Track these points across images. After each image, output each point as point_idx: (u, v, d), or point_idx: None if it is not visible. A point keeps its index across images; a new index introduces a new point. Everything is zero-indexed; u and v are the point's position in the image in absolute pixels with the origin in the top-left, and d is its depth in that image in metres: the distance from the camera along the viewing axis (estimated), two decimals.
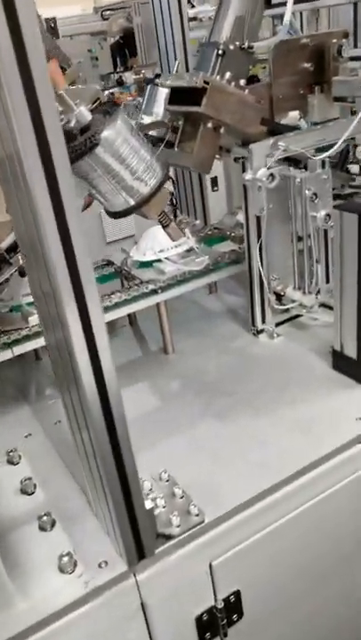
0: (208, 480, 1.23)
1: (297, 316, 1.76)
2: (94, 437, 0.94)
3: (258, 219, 1.57)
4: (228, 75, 1.43)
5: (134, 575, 1.08)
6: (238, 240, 1.84)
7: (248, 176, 1.49)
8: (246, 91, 1.48)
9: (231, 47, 1.45)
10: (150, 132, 1.60)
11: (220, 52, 1.43)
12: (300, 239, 1.65)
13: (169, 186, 1.39)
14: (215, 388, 1.54)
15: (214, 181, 2.51)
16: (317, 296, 1.67)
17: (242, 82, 1.47)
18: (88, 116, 1.19)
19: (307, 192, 1.53)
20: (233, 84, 1.44)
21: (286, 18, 1.59)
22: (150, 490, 1.19)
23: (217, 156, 1.55)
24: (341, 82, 1.81)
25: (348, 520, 1.34)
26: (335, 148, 1.53)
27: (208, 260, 1.68)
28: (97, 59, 7.04)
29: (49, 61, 2.93)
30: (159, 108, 1.65)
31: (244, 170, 1.52)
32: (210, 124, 1.43)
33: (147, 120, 1.66)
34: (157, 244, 1.70)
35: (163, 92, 1.61)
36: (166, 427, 1.41)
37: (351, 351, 1.45)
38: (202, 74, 1.40)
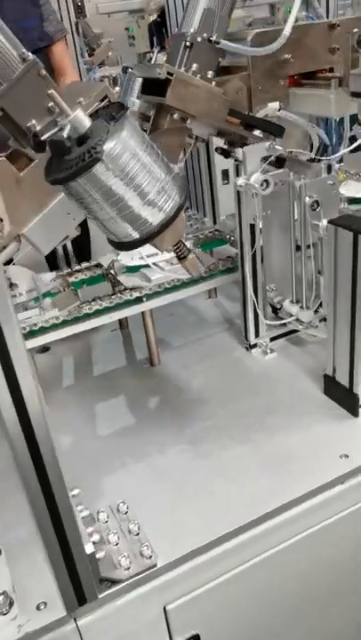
0: (168, 516, 1.13)
1: (295, 331, 1.63)
2: (21, 475, 0.85)
3: (252, 227, 1.45)
4: (194, 66, 1.34)
5: (75, 620, 1.00)
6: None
7: (240, 181, 1.37)
8: (213, 83, 1.38)
9: (199, 39, 1.36)
10: None
11: (187, 43, 1.34)
12: (299, 248, 1.52)
13: None
14: (194, 408, 1.43)
15: (225, 174, 2.36)
16: (318, 310, 1.54)
17: (210, 74, 1.37)
18: (86, 123, 0.93)
19: (307, 199, 1.40)
20: (199, 76, 1.34)
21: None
22: (106, 522, 1.11)
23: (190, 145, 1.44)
24: (356, 76, 1.66)
25: (316, 566, 1.23)
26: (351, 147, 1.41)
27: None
28: (134, 37, 6.90)
29: (54, 43, 2.83)
30: (134, 97, 1.54)
31: (237, 173, 1.40)
32: (176, 115, 1.34)
33: None
34: (146, 248, 1.58)
35: (138, 82, 1.50)
36: (135, 450, 1.32)
37: (343, 378, 1.33)
38: (165, 65, 1.31)
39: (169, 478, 1.23)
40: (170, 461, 1.28)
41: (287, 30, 1.43)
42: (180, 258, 1.21)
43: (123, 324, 1.82)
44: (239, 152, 1.42)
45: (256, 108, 1.67)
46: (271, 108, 1.69)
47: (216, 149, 1.66)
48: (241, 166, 1.37)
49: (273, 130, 1.46)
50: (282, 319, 1.61)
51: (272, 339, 1.62)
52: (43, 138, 1.02)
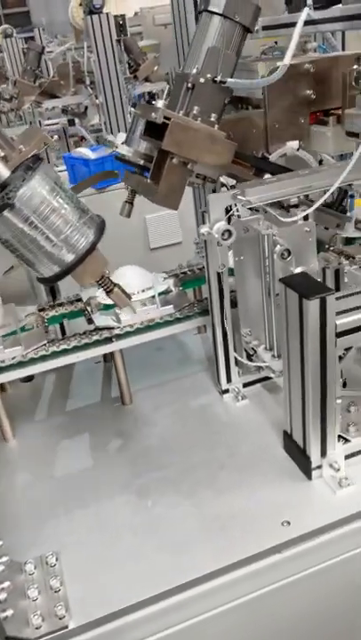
0: (96, 574, 1.12)
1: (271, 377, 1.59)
2: None
3: (219, 275, 1.42)
4: (195, 109, 1.29)
5: None
6: None
7: (203, 229, 1.34)
8: (216, 126, 1.33)
9: (202, 80, 1.30)
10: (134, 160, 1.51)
11: (189, 85, 1.30)
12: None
13: None
14: (153, 455, 1.42)
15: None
16: None
17: (213, 116, 1.32)
18: (5, 174, 1.10)
19: (278, 248, 1.35)
20: (200, 119, 1.30)
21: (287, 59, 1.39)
22: (32, 574, 1.11)
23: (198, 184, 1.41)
24: (355, 116, 1.60)
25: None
26: (323, 197, 1.35)
27: (173, 309, 1.55)
28: None
29: None
30: (133, 143, 1.54)
31: (203, 221, 1.38)
32: (175, 160, 1.30)
33: (122, 151, 1.55)
34: (126, 288, 1.57)
35: (140, 124, 1.50)
36: (82, 496, 1.32)
37: (298, 438, 1.28)
38: (161, 109, 1.27)
39: (108, 532, 1.22)
40: (113, 513, 1.26)
41: (287, 60, 1.32)
42: (107, 292, 1.29)
43: (106, 356, 1.82)
44: None
45: (273, 147, 1.63)
46: (289, 147, 1.64)
47: (222, 186, 1.64)
48: (206, 214, 1.34)
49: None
50: (255, 364, 1.57)
51: (247, 384, 1.58)
52: None
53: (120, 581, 1.10)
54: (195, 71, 1.31)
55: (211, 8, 1.31)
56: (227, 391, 1.57)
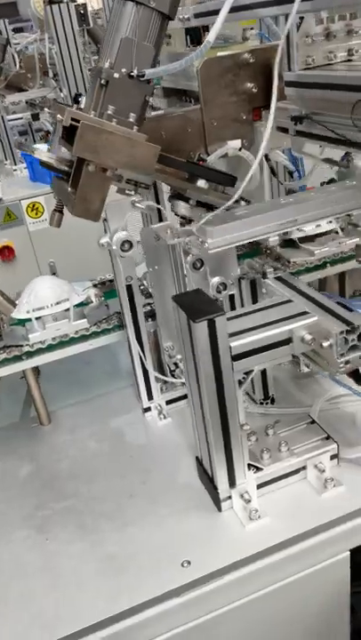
0: None
1: None
2: None
3: (130, 287, 1.31)
4: (110, 109, 1.13)
5: None
6: (147, 294, 1.58)
7: (103, 240, 1.23)
8: (135, 128, 1.17)
9: (116, 75, 1.14)
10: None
11: (102, 82, 1.14)
12: None
13: None
14: (62, 483, 1.32)
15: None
16: None
17: (131, 116, 1.16)
18: None
19: (189, 258, 1.24)
20: (115, 120, 1.14)
21: (211, 36, 1.24)
22: None
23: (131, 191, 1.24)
24: (282, 109, 1.48)
25: None
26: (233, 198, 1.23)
27: (87, 324, 1.44)
28: (170, 36, 6.75)
29: None
30: (56, 147, 1.40)
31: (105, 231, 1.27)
32: (90, 167, 1.14)
33: (42, 157, 1.40)
34: (38, 300, 1.47)
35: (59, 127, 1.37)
36: None
37: (207, 465, 1.18)
38: (68, 110, 1.12)
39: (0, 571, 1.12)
40: (9, 550, 1.17)
41: (211, 37, 1.12)
42: None
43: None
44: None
45: (212, 148, 1.49)
46: (230, 147, 1.49)
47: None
48: (105, 224, 1.23)
49: (221, 180, 1.25)
50: (181, 381, 1.46)
51: (171, 401, 1.48)
52: None
53: (4, 629, 1.01)
54: (107, 65, 1.17)
55: None
56: (148, 409, 1.47)
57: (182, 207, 1.21)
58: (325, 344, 1.01)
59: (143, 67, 1.15)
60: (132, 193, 1.20)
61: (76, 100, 1.43)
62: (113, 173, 1.13)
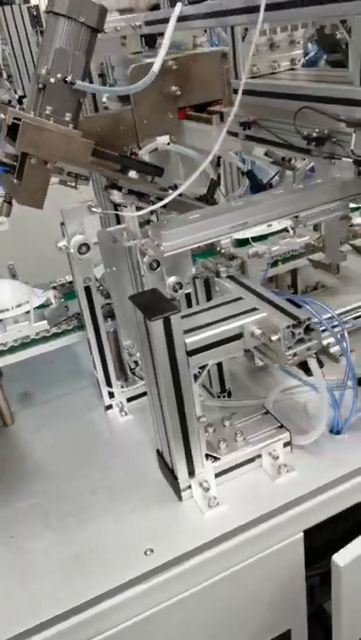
0: None
1: None
2: None
3: (88, 288, 1.35)
4: (48, 109, 1.24)
5: None
6: (106, 295, 1.62)
7: (60, 243, 1.27)
8: (71, 126, 1.28)
9: (52, 80, 1.25)
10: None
11: (39, 85, 1.24)
12: None
13: None
14: (25, 482, 1.35)
15: None
16: None
17: (67, 116, 1.27)
18: None
19: (146, 259, 1.29)
20: (52, 119, 1.25)
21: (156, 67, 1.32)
22: None
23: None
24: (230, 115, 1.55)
25: None
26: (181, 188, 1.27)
27: (47, 326, 1.47)
28: (125, 37, 6.76)
29: None
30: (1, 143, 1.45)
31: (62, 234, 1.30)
32: (33, 160, 1.24)
33: None
34: None
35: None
36: None
37: (167, 457, 1.23)
38: (10, 109, 1.21)
39: None
40: None
41: (156, 67, 1.25)
42: None
43: None
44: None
45: (144, 143, 1.59)
46: (160, 142, 1.61)
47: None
48: (63, 227, 1.27)
49: (149, 171, 1.37)
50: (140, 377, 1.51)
51: (132, 398, 1.53)
52: None
53: None
54: (44, 71, 1.26)
55: (55, 9, 1.26)
56: (110, 407, 1.51)
57: (116, 195, 1.32)
58: (274, 338, 1.07)
59: (76, 73, 1.29)
60: (73, 184, 1.32)
61: (20, 101, 1.50)
62: (53, 166, 1.25)
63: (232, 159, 1.78)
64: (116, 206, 1.49)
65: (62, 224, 1.28)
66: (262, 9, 1.06)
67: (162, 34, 1.61)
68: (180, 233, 1.12)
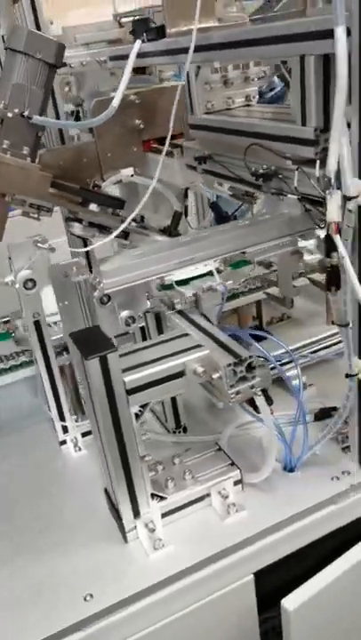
0: None
1: None
2: None
3: (37, 323, 1.34)
4: (5, 143, 1.24)
5: None
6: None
7: (7, 279, 1.26)
8: (28, 159, 1.27)
9: (10, 115, 1.26)
10: None
11: None
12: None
13: None
14: None
15: None
16: None
17: (25, 149, 1.27)
18: None
19: (96, 293, 1.28)
20: (9, 153, 1.25)
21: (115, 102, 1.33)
22: None
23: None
24: (189, 149, 1.57)
25: None
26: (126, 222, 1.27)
27: None
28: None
29: None
30: None
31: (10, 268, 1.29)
32: None
33: None
34: None
35: None
36: None
37: (113, 496, 1.20)
38: None
39: None
40: None
41: (116, 102, 1.25)
42: None
43: None
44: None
45: (108, 175, 1.59)
46: (124, 175, 1.62)
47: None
48: (10, 263, 1.26)
49: (110, 203, 1.36)
50: None
51: (86, 433, 1.50)
52: None
53: None
54: (1, 106, 1.26)
55: (12, 46, 1.27)
56: (64, 442, 1.49)
57: (77, 228, 1.31)
58: (215, 376, 1.05)
59: (34, 107, 1.29)
60: (35, 216, 1.31)
61: None
62: (12, 198, 1.24)
63: (202, 190, 1.79)
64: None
65: (10, 259, 1.27)
66: (191, 49, 1.08)
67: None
68: (121, 269, 1.11)
